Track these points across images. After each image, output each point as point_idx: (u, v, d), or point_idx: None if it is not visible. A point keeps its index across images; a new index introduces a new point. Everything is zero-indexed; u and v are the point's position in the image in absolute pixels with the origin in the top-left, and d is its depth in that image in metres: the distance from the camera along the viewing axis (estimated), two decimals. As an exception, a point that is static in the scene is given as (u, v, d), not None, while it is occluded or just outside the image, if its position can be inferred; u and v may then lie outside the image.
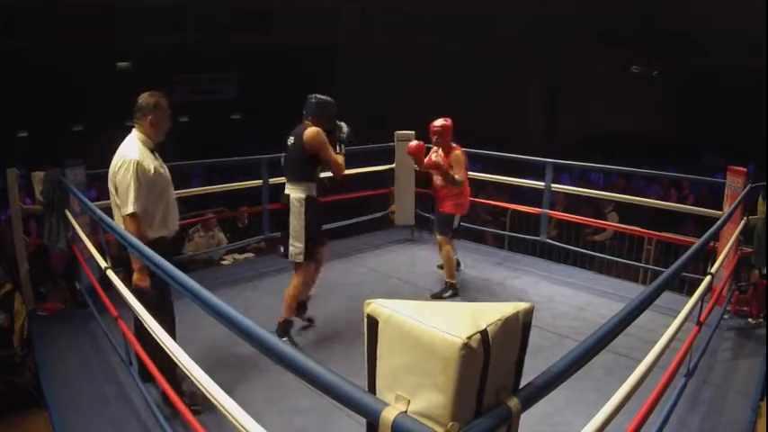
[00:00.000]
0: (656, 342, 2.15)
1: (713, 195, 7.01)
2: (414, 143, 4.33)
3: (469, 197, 4.62)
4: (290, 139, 3.49)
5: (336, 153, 3.49)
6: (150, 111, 2.80)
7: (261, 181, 5.16)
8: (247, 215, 6.38)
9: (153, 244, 2.58)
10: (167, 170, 2.92)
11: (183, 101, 12.89)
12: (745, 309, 4.00)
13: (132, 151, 2.71)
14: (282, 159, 3.62)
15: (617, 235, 6.43)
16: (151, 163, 2.74)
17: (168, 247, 2.87)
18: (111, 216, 2.81)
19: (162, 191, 2.81)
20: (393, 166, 5.86)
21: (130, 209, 2.65)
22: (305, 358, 1.19)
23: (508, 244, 6.39)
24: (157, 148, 2.87)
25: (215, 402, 1.69)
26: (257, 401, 2.84)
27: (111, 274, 2.84)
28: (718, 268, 3.11)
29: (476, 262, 5.21)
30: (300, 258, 3.46)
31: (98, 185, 7.60)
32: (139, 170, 2.66)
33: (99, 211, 2.86)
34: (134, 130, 2.82)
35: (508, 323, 1.10)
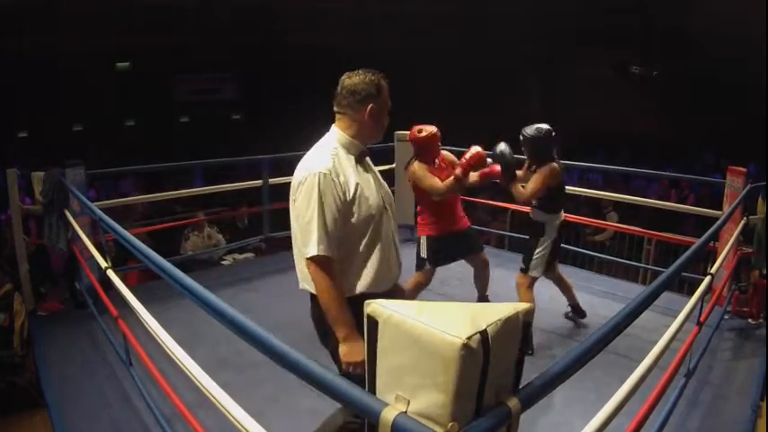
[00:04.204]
0: (656, 342, 2.15)
1: (713, 195, 7.01)
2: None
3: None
4: None
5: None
6: (372, 96, 1.86)
7: (261, 181, 5.16)
8: (247, 215, 6.39)
9: (358, 302, 1.45)
10: (384, 186, 2.00)
11: (184, 101, 12.91)
12: (745, 309, 4.00)
13: (321, 159, 1.80)
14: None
15: (617, 235, 6.43)
16: (354, 176, 1.83)
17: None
18: (114, 221, 2.77)
19: (371, 218, 1.85)
20: (393, 166, 5.86)
21: (313, 250, 1.75)
22: (305, 358, 1.19)
23: (508, 244, 6.39)
24: (367, 153, 1.97)
25: (215, 402, 1.69)
26: (257, 401, 2.83)
27: (111, 274, 2.84)
28: (718, 268, 3.11)
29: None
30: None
31: (97, 186, 7.61)
32: (329, 188, 1.76)
33: (99, 211, 2.86)
34: (333, 127, 1.94)
35: (508, 323, 1.10)
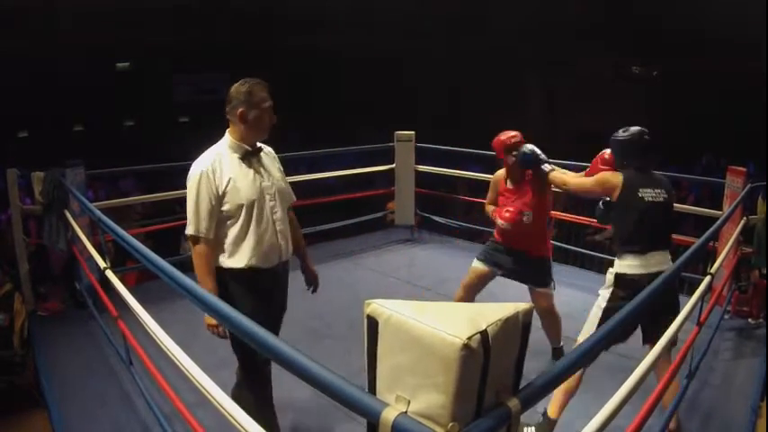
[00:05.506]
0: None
1: (713, 195, 7.01)
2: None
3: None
4: (659, 194, 2.59)
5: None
6: (241, 102, 2.18)
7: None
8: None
9: (235, 275, 2.23)
10: (271, 179, 2.32)
11: (184, 101, 12.91)
12: (745, 309, 4.00)
13: (202, 161, 2.22)
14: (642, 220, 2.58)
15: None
16: (229, 173, 2.19)
17: (268, 282, 2.31)
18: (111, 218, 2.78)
19: (241, 207, 2.20)
20: (393, 166, 5.87)
21: (189, 229, 2.22)
22: (305, 358, 1.19)
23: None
24: (258, 150, 2.30)
25: (215, 402, 1.69)
26: (257, 401, 2.83)
27: (110, 274, 2.84)
28: (718, 268, 3.11)
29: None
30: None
31: (96, 186, 7.60)
32: (205, 184, 2.17)
33: (98, 212, 2.86)
34: (227, 131, 2.30)
35: (508, 323, 1.10)
